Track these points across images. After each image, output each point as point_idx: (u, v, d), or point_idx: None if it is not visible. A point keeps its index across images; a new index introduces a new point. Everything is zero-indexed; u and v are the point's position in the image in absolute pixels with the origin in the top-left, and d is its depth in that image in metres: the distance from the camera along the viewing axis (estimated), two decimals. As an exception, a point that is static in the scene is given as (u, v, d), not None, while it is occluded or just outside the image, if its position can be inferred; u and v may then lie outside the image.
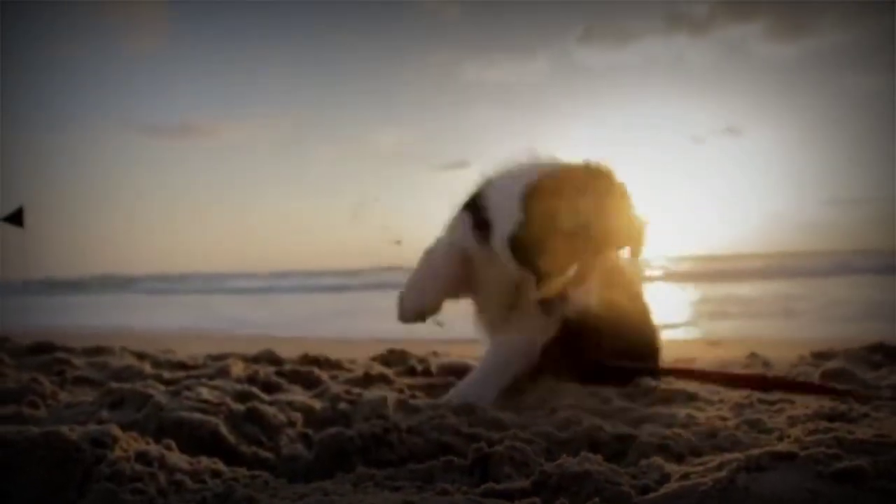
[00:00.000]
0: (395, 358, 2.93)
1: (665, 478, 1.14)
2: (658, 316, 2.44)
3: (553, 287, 1.87)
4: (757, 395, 1.95)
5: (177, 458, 1.27)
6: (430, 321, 2.06)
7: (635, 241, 1.95)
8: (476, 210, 2.04)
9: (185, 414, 1.56)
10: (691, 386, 2.09)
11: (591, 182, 1.86)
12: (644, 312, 2.37)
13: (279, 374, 2.38)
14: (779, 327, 5.44)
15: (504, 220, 1.91)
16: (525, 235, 1.85)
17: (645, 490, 1.10)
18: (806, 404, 1.81)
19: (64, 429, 1.21)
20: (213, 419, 1.56)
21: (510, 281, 2.03)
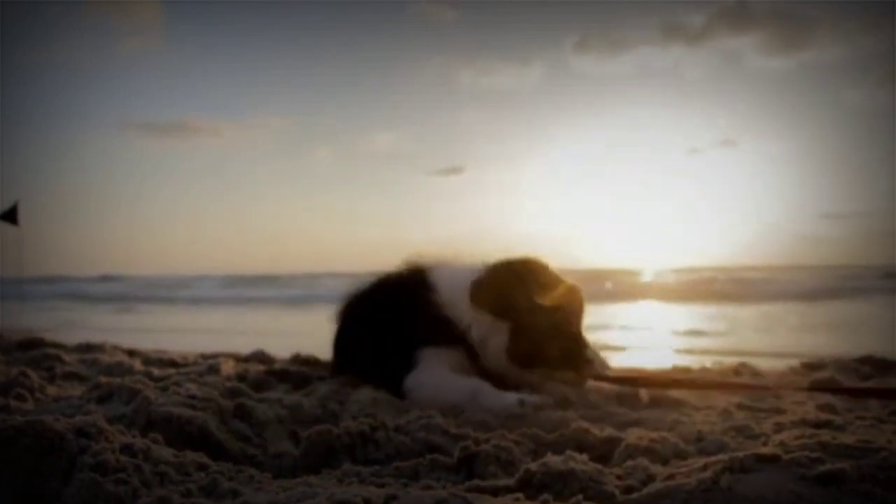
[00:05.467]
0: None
1: (650, 478, 1.14)
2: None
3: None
4: (745, 401, 1.95)
5: (162, 451, 1.26)
6: None
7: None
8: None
9: (173, 409, 1.55)
10: (679, 392, 2.09)
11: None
12: None
13: (269, 373, 2.38)
14: (770, 340, 5.45)
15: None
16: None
17: (629, 490, 1.10)
18: (793, 411, 1.81)
19: (49, 418, 1.20)
20: (201, 415, 1.55)
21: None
